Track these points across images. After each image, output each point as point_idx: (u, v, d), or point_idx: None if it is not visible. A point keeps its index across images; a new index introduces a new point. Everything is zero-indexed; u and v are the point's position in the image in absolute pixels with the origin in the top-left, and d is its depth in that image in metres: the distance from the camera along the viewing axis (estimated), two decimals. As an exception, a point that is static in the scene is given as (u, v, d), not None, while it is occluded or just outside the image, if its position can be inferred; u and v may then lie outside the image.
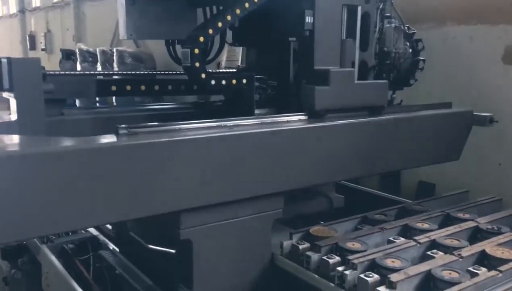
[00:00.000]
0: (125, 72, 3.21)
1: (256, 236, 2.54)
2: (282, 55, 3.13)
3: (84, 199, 1.97)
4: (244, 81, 2.98)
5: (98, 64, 8.97)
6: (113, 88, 2.99)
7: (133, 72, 3.20)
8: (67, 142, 2.06)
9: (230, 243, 2.47)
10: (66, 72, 2.95)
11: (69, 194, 1.95)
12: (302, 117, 2.72)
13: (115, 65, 8.81)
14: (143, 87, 3.09)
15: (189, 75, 2.87)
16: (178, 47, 3.31)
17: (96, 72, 3.10)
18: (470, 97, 4.03)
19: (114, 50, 9.03)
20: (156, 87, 3.14)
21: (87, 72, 3.03)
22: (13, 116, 2.63)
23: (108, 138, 2.13)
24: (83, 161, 1.96)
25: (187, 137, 2.24)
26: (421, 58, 3.30)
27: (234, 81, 2.94)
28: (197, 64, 2.70)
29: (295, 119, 2.68)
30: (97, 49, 9.28)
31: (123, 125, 2.21)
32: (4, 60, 2.54)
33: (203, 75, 2.76)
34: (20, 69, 2.58)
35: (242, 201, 2.43)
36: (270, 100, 3.12)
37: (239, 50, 7.59)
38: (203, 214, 2.33)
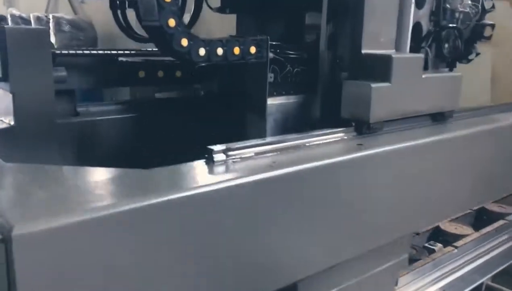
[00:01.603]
0: (149, 49, 2.27)
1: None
2: (302, 25, 2.26)
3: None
4: (253, 50, 1.86)
5: (33, 32, 7.93)
6: (141, 74, 2.07)
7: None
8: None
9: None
10: (78, 52, 1.99)
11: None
12: (347, 134, 1.84)
13: (51, 33, 7.86)
14: (178, 74, 2.19)
15: (158, 42, 1.84)
16: (129, 13, 2.34)
17: (116, 52, 2.12)
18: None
19: (50, 16, 8.08)
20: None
21: (106, 52, 2.08)
22: (8, 120, 1.69)
23: (200, 175, 1.33)
24: (163, 219, 1.18)
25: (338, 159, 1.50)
26: (488, 22, 2.47)
27: (237, 50, 1.81)
28: (171, 22, 1.61)
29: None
30: (31, 15, 8.28)
31: (217, 147, 1.37)
32: (-6, 31, 1.60)
33: (184, 41, 1.67)
34: (20, 46, 1.64)
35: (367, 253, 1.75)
36: (284, 83, 2.12)
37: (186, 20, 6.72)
38: (325, 279, 1.65)
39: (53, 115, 1.77)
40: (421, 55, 2.09)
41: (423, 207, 1.86)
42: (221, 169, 1.37)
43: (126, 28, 2.36)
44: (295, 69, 2.13)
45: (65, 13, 8.56)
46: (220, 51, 1.77)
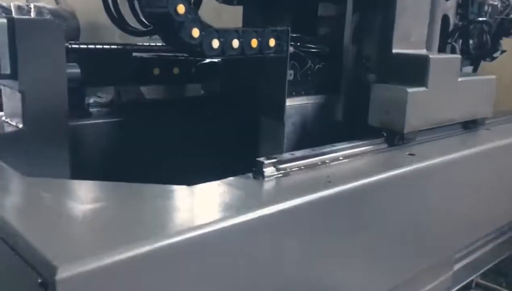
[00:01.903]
0: (158, 44, 2.07)
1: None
2: (314, 18, 2.05)
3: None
4: (272, 43, 1.64)
5: (14, 21, 7.73)
6: (156, 71, 1.88)
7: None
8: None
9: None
10: (90, 46, 1.78)
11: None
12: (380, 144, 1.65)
13: (32, 23, 7.61)
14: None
15: (165, 33, 1.61)
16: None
17: (131, 47, 1.91)
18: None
19: (32, 6, 7.85)
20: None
21: (119, 47, 1.87)
22: (16, 122, 1.49)
23: (255, 194, 1.16)
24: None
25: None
26: None
27: (254, 43, 1.60)
28: (180, 8, 1.40)
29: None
30: (12, 4, 8.00)
31: (266, 160, 1.21)
32: (2, 21, 1.39)
33: (195, 32, 1.45)
34: (30, 40, 1.44)
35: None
36: (303, 81, 1.91)
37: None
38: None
39: (66, 116, 1.57)
40: (458, 56, 1.93)
41: (474, 220, 1.73)
42: (273, 184, 1.19)
43: (118, 20, 2.12)
44: (316, 66, 1.93)
45: (47, 3, 8.33)
46: (236, 43, 1.55)
